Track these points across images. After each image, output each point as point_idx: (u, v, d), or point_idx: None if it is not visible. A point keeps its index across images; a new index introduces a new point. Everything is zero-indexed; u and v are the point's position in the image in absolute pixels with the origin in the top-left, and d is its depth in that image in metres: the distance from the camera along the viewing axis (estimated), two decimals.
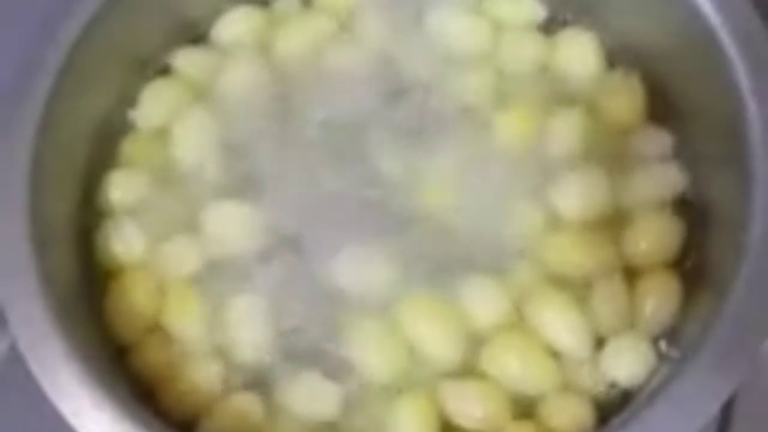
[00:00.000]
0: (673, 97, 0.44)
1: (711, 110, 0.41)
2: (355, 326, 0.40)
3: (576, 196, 0.41)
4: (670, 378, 0.34)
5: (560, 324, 0.39)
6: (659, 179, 0.43)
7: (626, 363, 0.39)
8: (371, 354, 0.39)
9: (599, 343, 0.40)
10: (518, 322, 0.40)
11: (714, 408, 0.33)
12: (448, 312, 0.40)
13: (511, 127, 0.44)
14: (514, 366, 0.39)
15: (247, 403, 0.39)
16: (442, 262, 0.41)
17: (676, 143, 0.44)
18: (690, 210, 0.42)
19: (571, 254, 0.41)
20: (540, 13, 0.47)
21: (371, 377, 0.39)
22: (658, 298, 0.40)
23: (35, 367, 0.35)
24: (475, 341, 0.40)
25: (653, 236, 0.41)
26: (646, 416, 0.33)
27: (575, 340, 0.39)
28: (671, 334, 0.40)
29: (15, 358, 0.35)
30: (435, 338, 0.40)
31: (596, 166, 0.42)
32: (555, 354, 0.39)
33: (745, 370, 0.33)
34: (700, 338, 0.35)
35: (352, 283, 0.41)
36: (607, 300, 0.40)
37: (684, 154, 0.43)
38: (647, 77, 0.45)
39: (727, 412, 0.41)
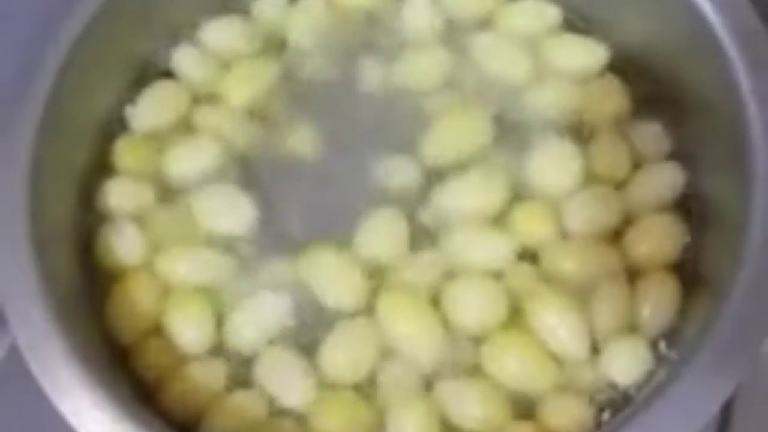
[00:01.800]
0: (673, 97, 0.44)
1: (710, 110, 0.41)
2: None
3: (583, 215, 0.42)
4: (669, 378, 0.34)
5: (559, 325, 0.39)
6: (659, 180, 0.43)
7: (626, 364, 0.39)
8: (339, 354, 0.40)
9: (599, 344, 0.40)
10: (518, 321, 0.40)
11: (713, 408, 0.33)
12: (428, 311, 0.40)
13: None
14: (513, 365, 0.39)
15: (248, 402, 0.39)
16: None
17: (676, 143, 0.44)
18: (689, 211, 0.42)
19: (572, 256, 0.41)
20: (556, 15, 0.47)
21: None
22: (658, 300, 0.40)
23: (35, 367, 0.34)
24: (475, 341, 0.40)
25: (653, 238, 0.41)
26: (646, 417, 0.33)
27: (573, 341, 0.39)
28: (671, 334, 0.40)
29: (15, 357, 0.35)
30: (415, 339, 0.39)
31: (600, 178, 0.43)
32: (554, 354, 0.39)
33: (744, 371, 0.33)
34: (699, 339, 0.35)
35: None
36: (607, 301, 0.40)
37: (683, 154, 0.43)
38: (647, 77, 0.45)
39: (726, 412, 0.41)
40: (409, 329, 0.40)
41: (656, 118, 0.45)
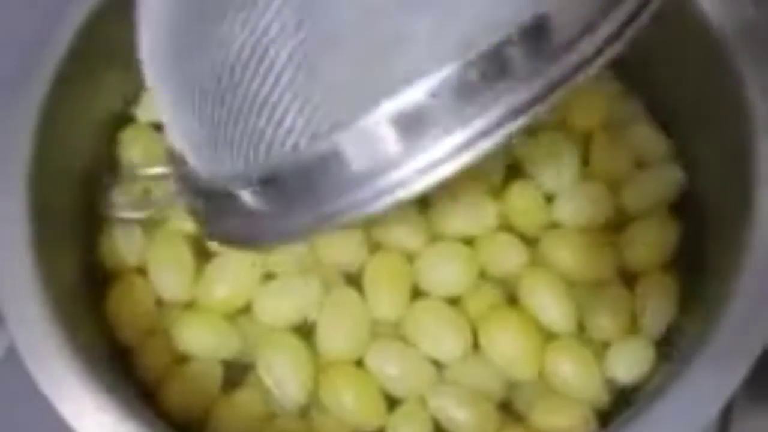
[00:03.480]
0: (672, 96, 0.43)
1: (711, 109, 0.41)
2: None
3: (575, 208, 0.42)
4: (670, 379, 0.34)
5: (546, 298, 0.39)
6: (659, 181, 0.43)
7: (627, 365, 0.39)
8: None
9: (600, 346, 0.40)
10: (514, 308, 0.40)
11: (714, 409, 0.33)
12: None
13: None
14: (509, 345, 0.39)
15: (249, 402, 0.39)
16: None
17: (676, 143, 0.44)
18: (690, 210, 0.42)
19: (567, 246, 0.41)
20: None
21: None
22: (658, 300, 0.40)
23: (34, 369, 0.34)
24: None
25: (652, 239, 0.41)
26: (647, 418, 0.33)
27: (560, 313, 0.39)
28: (671, 335, 0.40)
29: (14, 358, 0.35)
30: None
31: (599, 178, 0.43)
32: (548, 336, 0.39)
33: (745, 371, 0.33)
34: (700, 339, 0.34)
35: None
36: (608, 302, 0.40)
37: (682, 153, 0.43)
38: (646, 77, 0.44)
39: (727, 412, 0.41)
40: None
41: (654, 116, 0.45)
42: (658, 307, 0.40)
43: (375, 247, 0.42)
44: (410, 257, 0.41)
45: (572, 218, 0.42)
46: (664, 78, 0.44)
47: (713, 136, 0.41)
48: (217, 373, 0.40)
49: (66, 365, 0.34)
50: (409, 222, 0.41)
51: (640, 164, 0.43)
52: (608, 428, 0.36)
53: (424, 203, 0.42)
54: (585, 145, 0.44)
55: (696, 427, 0.33)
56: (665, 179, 0.43)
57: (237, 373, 0.40)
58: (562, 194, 0.42)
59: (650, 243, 0.41)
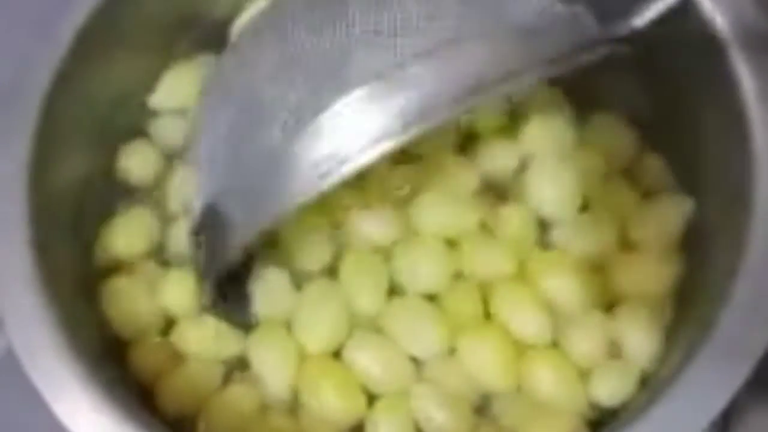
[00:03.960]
0: (672, 121, 0.43)
1: (708, 112, 0.40)
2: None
3: (573, 235, 0.41)
4: (670, 381, 0.33)
5: (522, 310, 0.39)
6: (662, 213, 0.41)
7: (610, 390, 0.38)
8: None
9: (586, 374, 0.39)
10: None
11: (715, 411, 0.32)
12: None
13: None
14: (484, 355, 0.38)
15: (242, 396, 0.39)
16: None
17: (676, 171, 0.43)
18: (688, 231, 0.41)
19: (561, 282, 0.40)
20: None
21: None
22: (643, 333, 0.39)
23: (31, 369, 0.34)
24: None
25: (652, 271, 0.40)
26: (646, 420, 0.33)
27: (536, 325, 0.39)
28: (666, 350, 0.39)
29: (12, 359, 0.35)
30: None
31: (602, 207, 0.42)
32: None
33: (747, 372, 0.33)
34: (701, 341, 0.34)
35: None
36: (590, 329, 0.39)
37: (682, 181, 0.43)
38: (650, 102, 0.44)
39: (728, 415, 0.40)
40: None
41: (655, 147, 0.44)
42: (642, 340, 0.39)
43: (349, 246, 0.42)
44: (386, 254, 0.41)
45: (570, 245, 0.41)
46: (666, 103, 0.43)
47: (710, 138, 0.40)
48: (216, 372, 0.40)
49: (63, 365, 0.34)
50: (384, 218, 0.41)
51: (647, 196, 0.42)
52: (608, 427, 0.36)
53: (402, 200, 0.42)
54: (587, 172, 0.43)
55: (697, 428, 0.32)
56: (670, 212, 0.41)
57: (230, 367, 0.41)
58: (561, 220, 0.42)
59: (646, 272, 0.40)
